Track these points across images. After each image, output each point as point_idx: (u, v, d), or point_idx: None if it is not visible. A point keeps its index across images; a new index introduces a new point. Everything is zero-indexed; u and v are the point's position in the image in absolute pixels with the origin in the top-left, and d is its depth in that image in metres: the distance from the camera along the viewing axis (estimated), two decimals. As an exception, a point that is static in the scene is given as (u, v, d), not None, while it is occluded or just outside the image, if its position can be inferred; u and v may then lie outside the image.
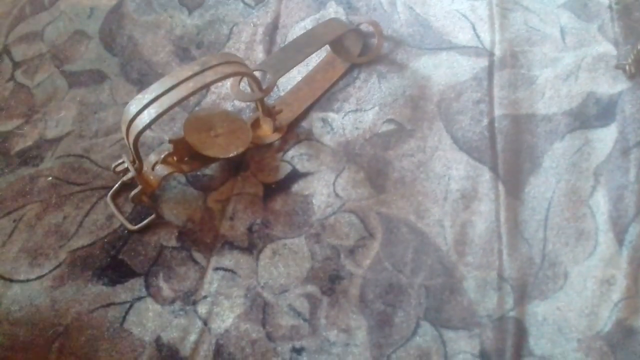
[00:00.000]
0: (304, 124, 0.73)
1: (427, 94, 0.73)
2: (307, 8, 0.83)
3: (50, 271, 0.64)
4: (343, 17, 0.81)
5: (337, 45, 0.77)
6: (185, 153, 0.67)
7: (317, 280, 0.62)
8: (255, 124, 0.72)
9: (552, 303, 0.58)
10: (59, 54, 0.83)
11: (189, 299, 0.62)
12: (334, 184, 0.68)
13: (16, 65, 0.82)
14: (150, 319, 0.61)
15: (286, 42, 0.78)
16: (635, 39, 0.72)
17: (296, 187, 0.68)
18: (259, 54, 0.79)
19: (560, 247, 0.61)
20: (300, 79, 0.76)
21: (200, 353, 0.59)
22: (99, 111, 0.76)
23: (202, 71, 0.61)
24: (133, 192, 0.65)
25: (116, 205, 0.68)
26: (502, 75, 0.73)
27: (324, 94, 0.75)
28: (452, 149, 0.68)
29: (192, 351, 0.59)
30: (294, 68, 0.72)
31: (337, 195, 0.67)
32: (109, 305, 0.62)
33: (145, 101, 0.59)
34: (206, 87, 0.61)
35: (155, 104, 0.59)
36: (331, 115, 0.73)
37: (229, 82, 0.71)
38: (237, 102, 0.75)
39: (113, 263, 0.64)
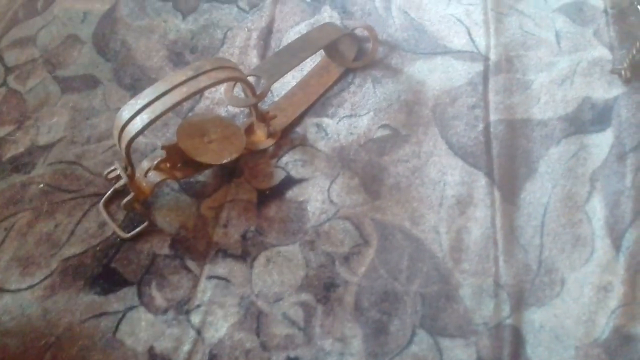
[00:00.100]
0: (299, 129, 0.72)
1: (422, 99, 0.72)
2: (301, 12, 0.82)
3: (42, 280, 0.63)
4: (338, 22, 0.80)
5: (332, 50, 0.76)
6: (179, 159, 0.66)
7: (312, 288, 0.61)
8: (249, 129, 0.72)
9: (549, 310, 0.58)
10: (52, 58, 0.82)
11: (182, 308, 0.61)
12: (328, 190, 0.67)
13: (8, 70, 0.82)
14: (143, 329, 0.60)
15: (280, 47, 0.78)
16: (630, 43, 0.71)
17: (290, 194, 0.67)
18: (253, 59, 0.78)
19: (556, 254, 0.61)
20: (294, 84, 0.76)
21: (193, 363, 0.58)
22: (92, 117, 0.76)
23: (196, 76, 0.60)
24: (125, 200, 0.64)
25: (108, 212, 0.67)
26: (498, 80, 0.72)
27: (318, 99, 0.74)
28: (447, 155, 0.68)
29: (185, 361, 0.58)
30: (289, 73, 0.72)
31: (331, 201, 0.66)
32: (101, 315, 0.61)
33: (138, 107, 0.59)
34: (200, 92, 0.61)
35: (148, 110, 0.58)
36: (326, 120, 0.72)
37: (222, 88, 0.71)
38: (230, 108, 0.74)
39: (105, 272, 0.63)
